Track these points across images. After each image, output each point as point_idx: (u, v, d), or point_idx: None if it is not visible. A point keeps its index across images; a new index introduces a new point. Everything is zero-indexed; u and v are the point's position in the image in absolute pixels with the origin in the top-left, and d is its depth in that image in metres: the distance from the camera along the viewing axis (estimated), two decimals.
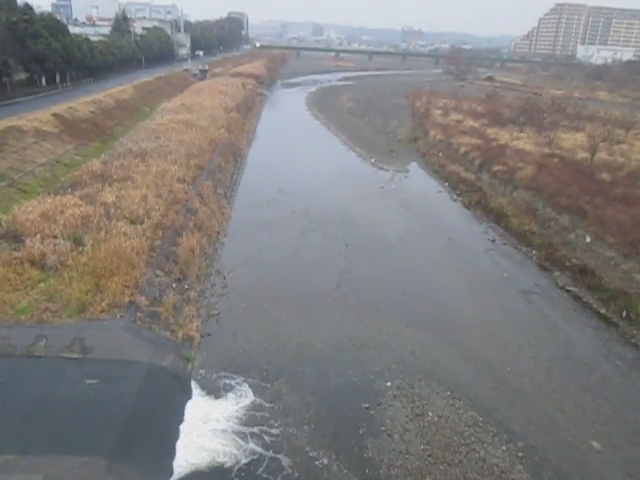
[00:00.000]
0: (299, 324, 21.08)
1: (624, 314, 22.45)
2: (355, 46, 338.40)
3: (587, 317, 23.24)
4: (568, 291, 25.23)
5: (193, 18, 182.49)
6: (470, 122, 61.85)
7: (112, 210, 24.67)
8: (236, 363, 18.22)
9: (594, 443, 15.62)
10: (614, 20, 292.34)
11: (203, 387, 16.80)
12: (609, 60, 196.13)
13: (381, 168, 47.69)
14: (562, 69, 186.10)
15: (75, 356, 15.66)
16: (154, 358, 16.67)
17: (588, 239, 28.12)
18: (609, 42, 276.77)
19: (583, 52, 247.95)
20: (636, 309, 22.19)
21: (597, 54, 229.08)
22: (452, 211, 37.57)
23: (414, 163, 51.08)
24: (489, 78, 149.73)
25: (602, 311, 23.28)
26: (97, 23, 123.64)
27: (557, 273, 26.83)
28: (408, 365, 18.78)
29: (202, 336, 19.49)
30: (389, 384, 17.60)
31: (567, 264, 26.91)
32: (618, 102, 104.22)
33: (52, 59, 61.18)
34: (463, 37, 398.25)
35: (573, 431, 16.09)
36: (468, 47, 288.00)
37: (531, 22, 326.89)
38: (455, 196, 40.15)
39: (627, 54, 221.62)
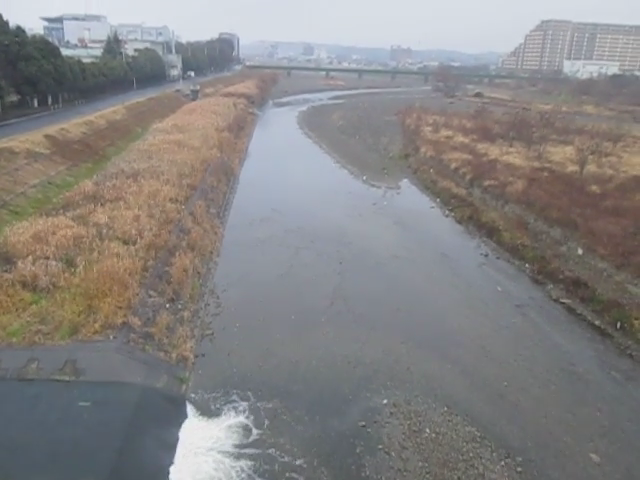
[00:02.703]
0: (294, 342, 20.95)
1: (618, 325, 22.51)
2: (345, 65, 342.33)
3: (582, 329, 23.27)
4: (562, 303, 25.28)
5: (184, 39, 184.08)
6: (460, 138, 62.41)
7: (104, 231, 24.57)
8: (231, 383, 18.05)
9: (593, 456, 15.53)
10: (598, 35, 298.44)
11: (198, 408, 16.61)
12: (595, 74, 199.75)
13: (373, 185, 47.92)
14: (549, 84, 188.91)
15: (67, 378, 15.46)
16: (148, 379, 16.49)
17: (580, 251, 28.28)
18: (594, 57, 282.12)
19: (569, 67, 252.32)
20: (630, 320, 22.25)
21: (583, 69, 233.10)
22: (444, 226, 37.72)
23: (406, 180, 51.37)
24: (478, 94, 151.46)
25: (596, 322, 23.33)
26: (89, 45, 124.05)
27: (550, 286, 26.91)
28: (404, 382, 18.68)
29: (196, 356, 19.33)
30: (385, 401, 17.48)
31: (560, 277, 27.01)
32: (605, 115, 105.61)
33: (44, 81, 61.33)
34: (451, 54, 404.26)
35: (571, 444, 16.01)
36: (456, 64, 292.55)
37: (517, 39, 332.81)
38: (447, 211, 40.35)
39: (612, 68, 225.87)
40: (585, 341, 22.37)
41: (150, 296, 21.13)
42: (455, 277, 28.49)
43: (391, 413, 16.93)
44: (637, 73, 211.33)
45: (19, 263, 20.41)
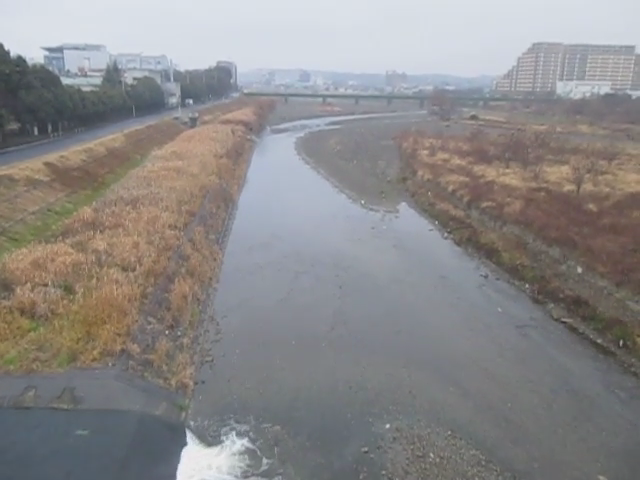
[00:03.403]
0: (294, 368, 20.76)
1: (621, 343, 22.37)
2: (342, 91, 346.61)
3: (584, 348, 23.11)
4: (563, 323, 25.16)
5: (183, 68, 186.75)
6: (457, 160, 62.84)
7: (103, 257, 24.55)
8: (231, 410, 17.84)
9: (601, 478, 15.27)
10: (589, 56, 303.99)
11: (198, 435, 16.37)
12: (587, 94, 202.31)
13: (371, 209, 48.06)
14: (543, 105, 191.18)
15: (65, 406, 15.26)
16: (147, 407, 16.28)
17: (579, 270, 28.26)
18: (586, 77, 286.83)
19: (562, 88, 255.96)
20: (633, 338, 22.12)
21: (576, 89, 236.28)
22: (443, 248, 37.72)
23: (404, 203, 51.57)
24: (473, 117, 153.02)
25: (599, 341, 23.19)
26: (89, 74, 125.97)
27: (551, 305, 26.80)
28: (406, 405, 18.46)
29: (196, 383, 19.14)
30: (388, 426, 17.24)
31: (561, 296, 26.93)
32: (599, 134, 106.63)
33: (44, 109, 62.07)
34: (446, 78, 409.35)
35: (578, 465, 15.75)
36: (451, 88, 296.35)
37: (510, 61, 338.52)
38: (446, 234, 40.40)
39: (604, 88, 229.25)
40: (588, 360, 22.19)
41: (149, 323, 21.00)
42: (455, 299, 28.39)
43: (394, 438, 16.69)
44: (629, 92, 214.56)
45: (17, 290, 20.33)
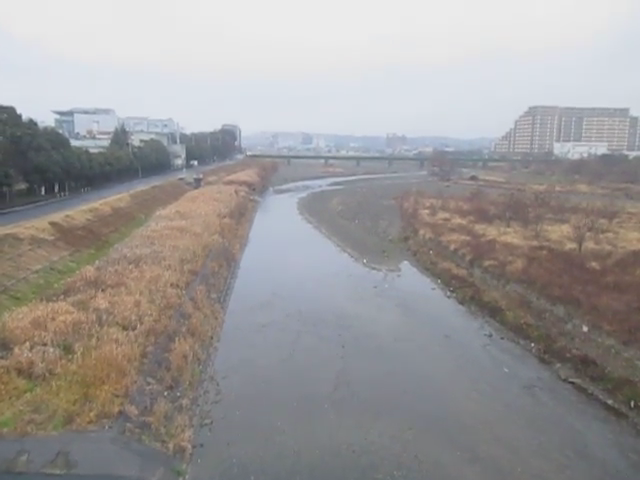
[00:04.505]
0: (296, 431, 20.17)
1: (632, 404, 21.75)
2: (343, 153, 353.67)
3: (594, 409, 22.47)
4: (571, 383, 24.57)
5: (189, 130, 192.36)
6: (458, 220, 63.39)
7: (104, 316, 24.38)
8: (230, 475, 17.24)
9: None
10: (585, 119, 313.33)
11: None
12: (585, 155, 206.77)
13: (374, 268, 48.04)
14: (541, 165, 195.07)
15: (58, 472, 14.72)
16: (143, 472, 15.71)
17: (585, 328, 27.89)
18: (583, 138, 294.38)
19: (559, 149, 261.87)
20: None
21: (573, 150, 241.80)
22: (446, 307, 37.42)
23: (406, 262, 51.61)
24: (473, 177, 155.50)
25: (609, 402, 22.57)
26: (97, 136, 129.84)
27: (558, 365, 26.28)
28: (412, 470, 17.79)
29: (194, 447, 18.53)
30: None
31: (567, 355, 26.45)
32: (598, 193, 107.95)
33: (52, 170, 63.68)
34: (445, 140, 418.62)
35: None
36: (450, 149, 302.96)
37: (508, 124, 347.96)
38: (448, 292, 40.20)
39: (601, 148, 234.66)
40: (599, 422, 21.53)
41: (148, 383, 20.61)
42: (460, 359, 27.90)
43: None
44: (625, 152, 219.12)
45: (16, 349, 20.09)
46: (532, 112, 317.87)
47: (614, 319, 26.94)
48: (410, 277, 46.30)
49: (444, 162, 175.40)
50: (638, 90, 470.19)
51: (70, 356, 20.33)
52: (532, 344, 29.04)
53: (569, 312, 30.05)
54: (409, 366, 27.02)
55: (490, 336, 31.10)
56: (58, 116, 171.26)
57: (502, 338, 30.72)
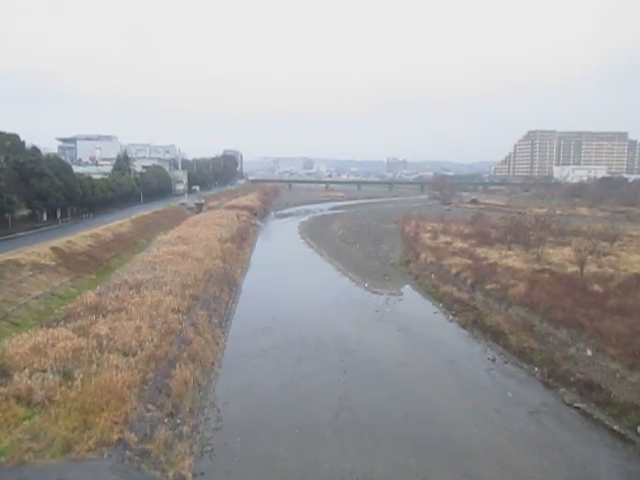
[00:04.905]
0: (298, 458, 19.89)
1: (638, 429, 21.43)
2: (344, 177, 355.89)
3: (600, 435, 22.14)
4: (576, 408, 24.27)
5: (191, 156, 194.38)
6: (459, 243, 63.27)
7: (105, 342, 24.24)
8: None
9: None
10: (584, 143, 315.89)
11: None
12: (584, 178, 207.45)
13: (375, 292, 47.88)
14: (541, 189, 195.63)
15: None
16: None
17: (589, 352, 27.62)
18: (582, 162, 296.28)
19: (559, 172, 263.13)
20: None
21: (572, 173, 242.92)
22: (449, 332, 37.17)
23: (407, 285, 51.47)
24: (473, 201, 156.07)
25: (615, 427, 22.23)
26: (100, 163, 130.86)
27: (563, 389, 25.98)
28: None
29: (194, 475, 18.25)
30: None
31: (572, 379, 26.17)
32: (599, 216, 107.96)
33: (54, 196, 64.05)
34: (445, 164, 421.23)
35: None
36: (451, 173, 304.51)
37: (507, 148, 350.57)
38: (451, 316, 39.98)
39: (600, 172, 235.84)
40: (606, 448, 21.19)
41: (148, 410, 20.37)
42: (463, 384, 27.62)
43: None
44: (625, 175, 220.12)
45: (15, 376, 19.92)
46: (531, 136, 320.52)
47: (618, 343, 26.67)
48: (412, 301, 46.11)
49: (444, 186, 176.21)
50: (636, 114, 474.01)
51: (70, 383, 20.14)
52: (536, 368, 28.77)
53: (572, 336, 29.81)
54: (412, 391, 26.73)
55: (494, 360, 30.83)
56: (61, 143, 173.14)
57: (506, 362, 30.44)
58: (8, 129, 64.40)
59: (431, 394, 26.51)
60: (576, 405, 24.50)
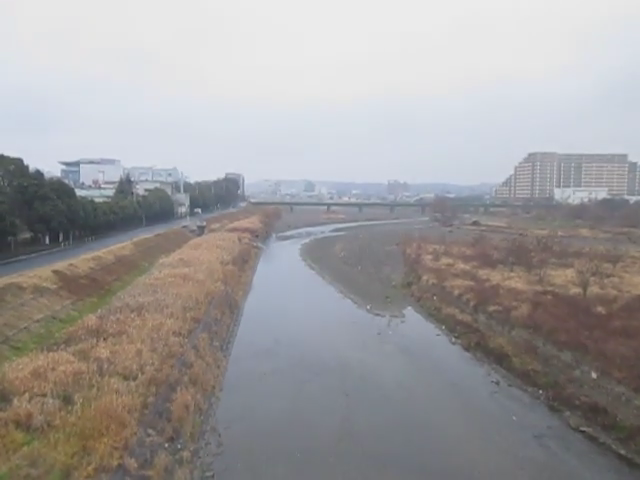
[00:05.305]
0: None
1: None
2: (345, 199, 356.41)
3: (607, 459, 21.79)
4: (582, 432, 23.94)
5: (193, 179, 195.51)
6: (461, 265, 63.15)
7: (105, 366, 24.06)
8: None
9: None
10: (584, 164, 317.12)
11: None
12: (585, 200, 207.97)
13: (377, 314, 47.66)
14: (542, 210, 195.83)
15: None
16: None
17: (594, 375, 27.35)
18: (582, 184, 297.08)
19: (560, 194, 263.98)
20: None
21: (573, 195, 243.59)
22: (452, 354, 36.90)
23: (409, 308, 51.26)
24: (475, 223, 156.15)
25: (622, 452, 21.90)
26: (102, 186, 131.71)
27: (568, 413, 25.67)
28: None
29: None
30: None
31: (577, 403, 25.88)
32: (601, 238, 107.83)
33: (57, 219, 64.30)
34: (446, 186, 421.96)
35: None
36: (451, 195, 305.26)
37: (508, 170, 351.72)
38: (453, 338, 39.72)
39: (601, 193, 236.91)
40: (612, 473, 20.86)
41: (148, 435, 20.15)
42: (467, 407, 27.32)
43: None
44: (626, 197, 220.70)
45: (15, 401, 19.72)
46: (531, 158, 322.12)
47: (623, 365, 26.43)
48: (414, 323, 45.87)
49: (446, 208, 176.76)
50: (636, 136, 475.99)
51: (70, 407, 19.92)
52: (540, 391, 28.48)
53: (577, 358, 29.56)
54: (415, 415, 26.44)
55: (497, 383, 30.53)
56: (65, 167, 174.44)
57: (510, 385, 30.14)
58: (12, 153, 65.08)
59: (435, 418, 26.20)
60: (582, 429, 24.17)
